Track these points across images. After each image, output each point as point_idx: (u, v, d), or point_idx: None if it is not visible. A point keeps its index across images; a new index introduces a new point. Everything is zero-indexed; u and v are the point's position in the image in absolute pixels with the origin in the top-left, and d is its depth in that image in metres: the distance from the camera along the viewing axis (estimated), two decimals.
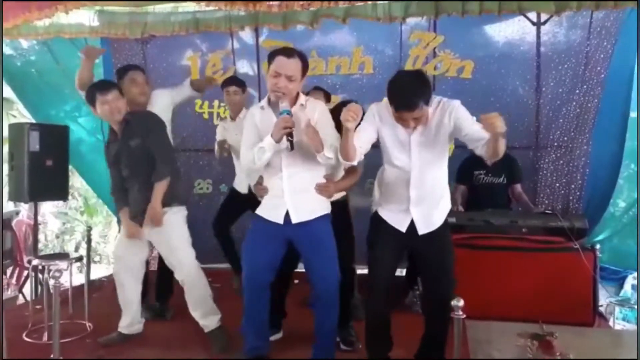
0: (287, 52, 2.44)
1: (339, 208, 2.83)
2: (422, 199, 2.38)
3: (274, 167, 2.51)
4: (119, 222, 5.25)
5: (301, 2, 3.73)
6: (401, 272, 3.87)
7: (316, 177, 2.55)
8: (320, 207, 2.56)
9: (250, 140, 2.53)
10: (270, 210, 2.56)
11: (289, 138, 2.35)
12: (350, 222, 3.10)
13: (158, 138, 2.89)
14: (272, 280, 2.60)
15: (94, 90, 2.83)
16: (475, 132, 2.22)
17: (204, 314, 2.94)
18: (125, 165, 2.90)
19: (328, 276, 2.52)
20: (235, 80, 3.92)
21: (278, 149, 2.42)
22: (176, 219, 2.92)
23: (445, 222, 2.46)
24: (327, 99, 3.62)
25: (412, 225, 2.40)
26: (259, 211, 2.60)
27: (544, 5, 3.61)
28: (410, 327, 2.51)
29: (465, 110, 2.30)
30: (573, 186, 4.21)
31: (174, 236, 2.90)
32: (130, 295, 3.02)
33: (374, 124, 2.38)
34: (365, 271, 2.56)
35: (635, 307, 3.57)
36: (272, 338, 2.95)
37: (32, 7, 3.87)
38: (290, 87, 2.41)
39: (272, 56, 2.44)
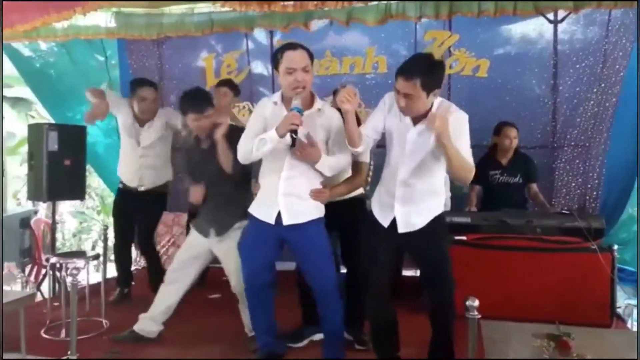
0: (292, 46, 2.43)
1: (356, 205, 2.81)
2: (407, 198, 2.33)
3: (275, 166, 2.50)
4: None
5: (315, 2, 3.74)
6: (416, 272, 3.85)
7: (313, 183, 2.54)
8: (313, 211, 2.53)
9: (254, 131, 2.49)
10: (262, 208, 2.55)
11: (293, 135, 2.34)
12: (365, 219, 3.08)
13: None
14: (273, 279, 2.61)
15: (188, 106, 2.86)
16: (462, 146, 2.21)
17: None
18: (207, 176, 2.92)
19: (323, 277, 2.53)
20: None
21: (278, 145, 2.40)
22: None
23: (436, 223, 2.36)
24: None
25: (395, 223, 2.36)
26: (252, 210, 2.60)
27: (560, 3, 3.56)
28: (422, 327, 2.48)
29: (463, 126, 2.24)
30: (589, 186, 4.16)
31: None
32: (166, 299, 2.99)
33: (383, 112, 2.38)
34: None
35: None
36: (315, 337, 2.95)
37: (50, 9, 3.93)
38: (307, 79, 2.41)
39: (278, 56, 2.43)
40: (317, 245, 2.53)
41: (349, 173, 2.75)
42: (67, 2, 3.84)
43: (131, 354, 2.84)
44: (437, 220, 2.37)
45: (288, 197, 2.48)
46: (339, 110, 2.43)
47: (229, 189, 2.85)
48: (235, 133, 2.71)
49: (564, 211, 3.63)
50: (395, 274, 3.58)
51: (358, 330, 2.91)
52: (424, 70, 2.15)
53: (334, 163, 2.51)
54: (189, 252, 2.98)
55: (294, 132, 2.34)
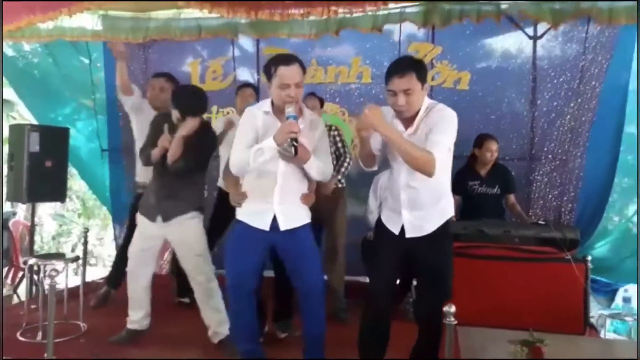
0: (286, 60, 2.43)
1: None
2: (413, 202, 2.35)
3: (268, 174, 2.49)
4: (115, 225, 5.31)
5: (301, 12, 3.80)
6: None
7: (303, 188, 2.60)
8: (304, 214, 2.61)
9: (247, 141, 2.48)
10: (255, 216, 2.55)
11: (294, 143, 2.34)
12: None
13: None
14: (258, 285, 2.66)
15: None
16: (432, 139, 2.19)
17: (219, 322, 2.98)
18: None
19: (313, 282, 2.56)
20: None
21: (275, 154, 2.42)
22: (196, 224, 2.98)
23: (444, 230, 2.39)
24: (321, 104, 3.70)
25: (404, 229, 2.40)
26: (241, 217, 2.60)
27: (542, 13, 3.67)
28: (404, 334, 2.51)
29: (447, 121, 2.25)
30: (565, 198, 4.27)
31: (194, 240, 2.95)
32: (143, 289, 3.05)
33: None
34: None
35: (627, 319, 3.60)
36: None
37: (36, 9, 3.92)
38: (299, 92, 2.45)
39: (271, 67, 2.43)
40: (308, 249, 2.58)
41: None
42: (53, 2, 3.84)
43: (111, 355, 2.84)
44: (446, 226, 2.39)
45: (284, 202, 2.52)
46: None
47: (178, 181, 2.89)
48: (207, 132, 2.85)
49: (540, 222, 3.71)
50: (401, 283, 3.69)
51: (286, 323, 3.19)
52: (414, 65, 2.23)
53: (322, 167, 2.55)
54: (142, 244, 3.01)
55: (295, 140, 2.34)
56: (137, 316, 3.05)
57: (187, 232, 2.94)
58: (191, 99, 2.88)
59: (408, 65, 2.22)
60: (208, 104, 2.99)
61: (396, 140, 2.17)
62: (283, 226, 2.52)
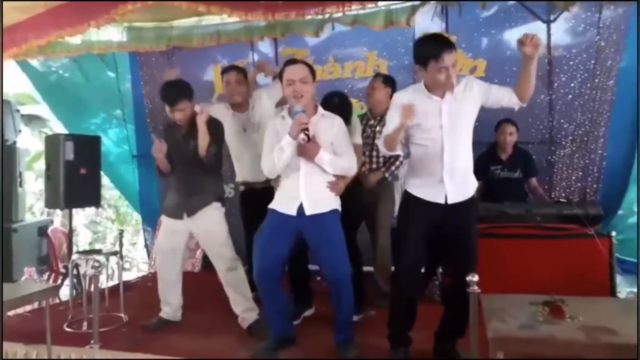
0: (292, 61, 2.73)
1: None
2: (455, 168, 2.50)
3: (292, 168, 2.69)
4: (146, 230, 5.51)
5: (316, 9, 3.92)
6: None
7: (328, 177, 2.74)
8: (331, 202, 2.73)
9: (272, 146, 2.72)
10: (284, 203, 2.74)
11: (306, 132, 2.55)
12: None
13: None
14: (284, 271, 2.81)
15: (163, 97, 3.13)
16: (497, 87, 2.51)
17: (246, 308, 3.13)
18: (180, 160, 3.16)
19: (337, 267, 2.67)
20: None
21: (294, 147, 2.61)
22: (218, 214, 3.13)
23: (474, 197, 2.59)
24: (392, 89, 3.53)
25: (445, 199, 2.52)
26: (273, 205, 2.78)
27: None
28: (431, 316, 2.64)
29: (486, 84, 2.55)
30: (590, 179, 4.27)
31: (217, 230, 3.11)
32: (172, 286, 3.22)
33: (400, 112, 2.48)
34: None
35: None
36: (306, 314, 3.29)
37: (65, 24, 4.13)
38: (305, 89, 2.65)
39: (282, 70, 2.72)
40: (334, 235, 2.70)
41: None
42: (80, 16, 4.04)
43: (151, 342, 2.98)
44: (473, 198, 2.59)
45: (309, 190, 2.68)
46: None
47: (201, 175, 3.07)
48: (214, 123, 3.05)
49: (561, 200, 3.74)
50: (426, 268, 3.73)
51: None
52: (451, 41, 2.45)
53: (335, 160, 2.69)
54: (168, 241, 3.18)
55: (306, 129, 2.55)
56: (169, 309, 3.24)
57: (210, 223, 3.10)
58: (169, 90, 3.08)
59: (450, 41, 2.43)
60: (190, 91, 3.12)
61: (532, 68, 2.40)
62: (308, 211, 2.66)
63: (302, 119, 2.56)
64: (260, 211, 2.84)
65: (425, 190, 2.55)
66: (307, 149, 2.61)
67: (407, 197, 2.62)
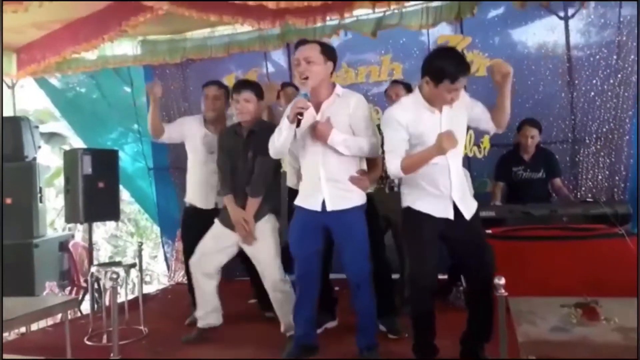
0: (303, 41, 2.64)
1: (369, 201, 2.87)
2: (460, 183, 2.47)
3: (312, 154, 2.61)
4: (166, 242, 5.50)
5: (321, 16, 3.91)
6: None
7: (348, 166, 2.61)
8: (355, 198, 2.63)
9: (280, 129, 2.64)
10: (308, 198, 2.66)
11: (299, 117, 2.48)
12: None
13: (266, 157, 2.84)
14: (321, 268, 2.72)
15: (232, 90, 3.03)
16: (481, 108, 2.49)
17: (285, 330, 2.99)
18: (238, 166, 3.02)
19: (357, 265, 2.61)
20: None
21: (293, 131, 2.55)
22: (268, 228, 2.96)
23: (477, 211, 2.55)
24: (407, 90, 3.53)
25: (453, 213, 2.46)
26: (298, 201, 2.71)
27: None
28: (455, 322, 2.57)
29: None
30: (617, 177, 4.15)
31: (266, 246, 2.95)
32: (206, 290, 3.09)
33: (403, 127, 2.40)
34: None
35: None
36: (329, 326, 3.18)
37: (80, 39, 4.18)
38: (312, 69, 2.52)
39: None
40: (355, 235, 2.61)
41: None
42: (95, 31, 4.09)
43: (171, 354, 2.95)
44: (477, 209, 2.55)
45: (330, 181, 2.58)
46: None
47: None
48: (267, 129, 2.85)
49: (588, 199, 3.63)
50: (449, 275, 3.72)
51: (391, 320, 2.99)
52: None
53: (350, 140, 2.54)
54: (213, 243, 3.04)
55: (300, 114, 2.47)
56: (202, 312, 3.11)
57: (261, 236, 2.94)
58: (240, 81, 3.10)
59: (467, 64, 2.36)
60: (260, 90, 3.03)
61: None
62: (329, 207, 2.58)
63: (300, 102, 2.47)
64: (201, 233, 2.93)
65: (433, 207, 2.45)
66: (318, 130, 2.51)
67: (410, 213, 2.49)
